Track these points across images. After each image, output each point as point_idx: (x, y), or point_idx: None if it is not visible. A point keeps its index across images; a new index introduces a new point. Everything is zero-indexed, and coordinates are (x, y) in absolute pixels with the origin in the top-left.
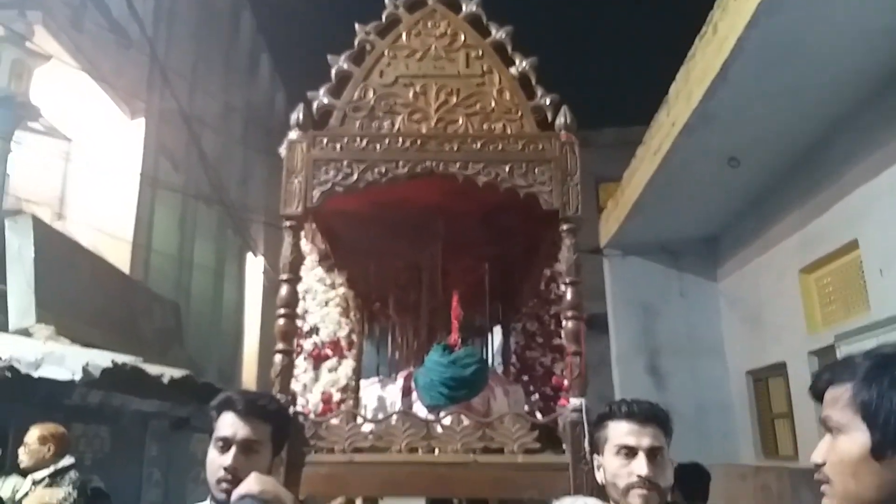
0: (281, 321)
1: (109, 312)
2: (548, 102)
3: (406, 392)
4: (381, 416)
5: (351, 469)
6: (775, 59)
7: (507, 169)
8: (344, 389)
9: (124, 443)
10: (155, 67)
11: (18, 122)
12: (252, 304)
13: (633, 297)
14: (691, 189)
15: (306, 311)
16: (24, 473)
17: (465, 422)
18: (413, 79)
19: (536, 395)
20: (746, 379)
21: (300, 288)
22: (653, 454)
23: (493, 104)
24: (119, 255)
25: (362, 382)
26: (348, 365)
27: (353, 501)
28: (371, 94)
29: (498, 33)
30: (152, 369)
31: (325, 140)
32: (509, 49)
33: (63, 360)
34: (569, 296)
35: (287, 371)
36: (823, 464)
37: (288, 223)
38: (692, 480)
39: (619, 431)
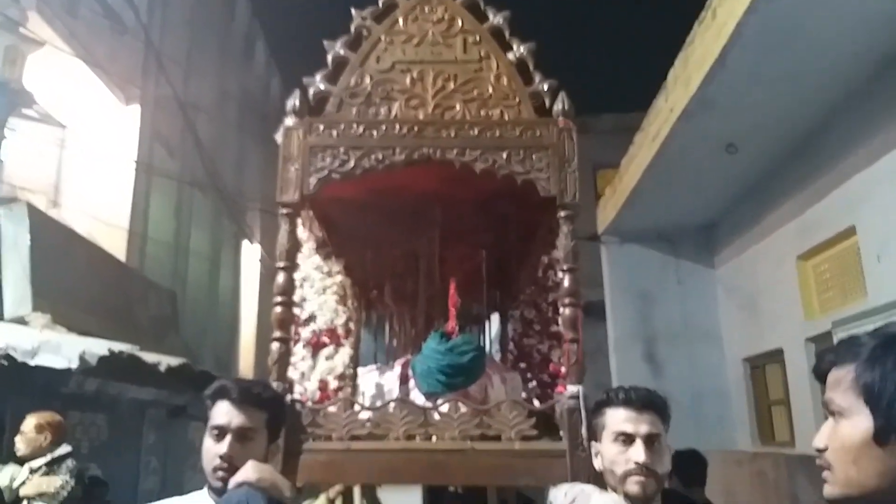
0: (278, 309)
1: (105, 300)
2: (545, 88)
3: (403, 380)
4: (378, 403)
5: (348, 456)
6: (774, 45)
7: (504, 155)
8: (341, 377)
9: (121, 431)
10: (150, 53)
11: (12, 109)
12: (248, 291)
13: (631, 284)
14: (689, 176)
15: (304, 299)
16: (21, 462)
17: (463, 409)
18: (410, 65)
19: (534, 383)
20: (743, 366)
21: (297, 276)
22: (650, 441)
23: (490, 90)
24: (115, 243)
25: (360, 370)
26: (345, 353)
27: (350, 489)
28: (368, 80)
29: (495, 18)
30: (149, 357)
31: (321, 127)
32: (507, 34)
33: (59, 349)
34: (566, 283)
35: (284, 359)
36: (825, 449)
37: (284, 211)
38: (690, 467)
39: (617, 418)
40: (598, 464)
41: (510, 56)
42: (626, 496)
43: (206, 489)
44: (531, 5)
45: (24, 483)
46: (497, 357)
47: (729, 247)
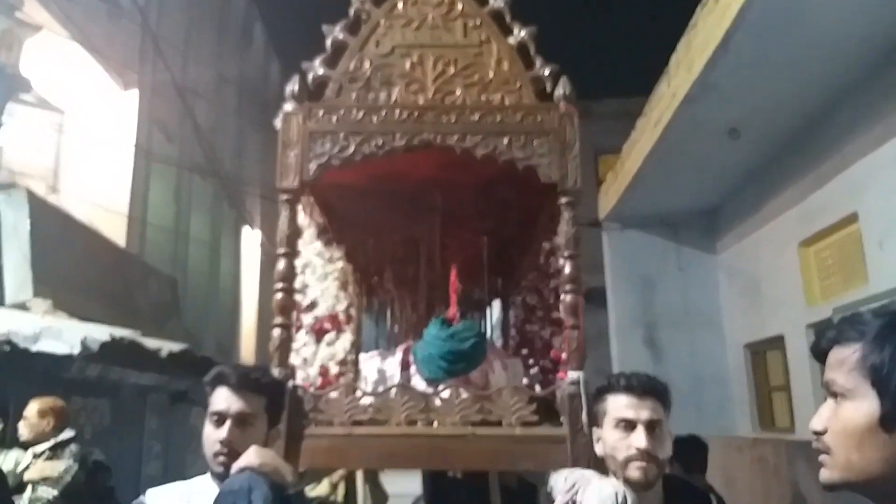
0: (279, 296)
1: (106, 286)
2: (547, 73)
3: (405, 365)
4: (380, 389)
5: (350, 442)
6: (778, 29)
7: (505, 141)
8: (343, 363)
9: (124, 416)
10: (147, 37)
11: (10, 94)
12: (249, 277)
13: (632, 270)
14: (691, 161)
15: (305, 286)
16: (24, 447)
17: (464, 395)
18: (410, 49)
19: (536, 369)
20: (744, 352)
21: (299, 262)
22: (651, 427)
23: (491, 75)
24: (114, 229)
25: (361, 356)
26: (347, 339)
27: (353, 473)
28: (367, 64)
29: (496, 2)
30: (150, 343)
31: (321, 112)
32: (507, 18)
33: (61, 334)
34: (567, 269)
35: (285, 345)
36: (823, 432)
37: (284, 197)
38: (691, 452)
39: (618, 405)
40: (599, 449)
41: (511, 40)
42: (628, 481)
43: (209, 474)
44: None
45: (27, 468)
46: (498, 343)
47: (731, 233)
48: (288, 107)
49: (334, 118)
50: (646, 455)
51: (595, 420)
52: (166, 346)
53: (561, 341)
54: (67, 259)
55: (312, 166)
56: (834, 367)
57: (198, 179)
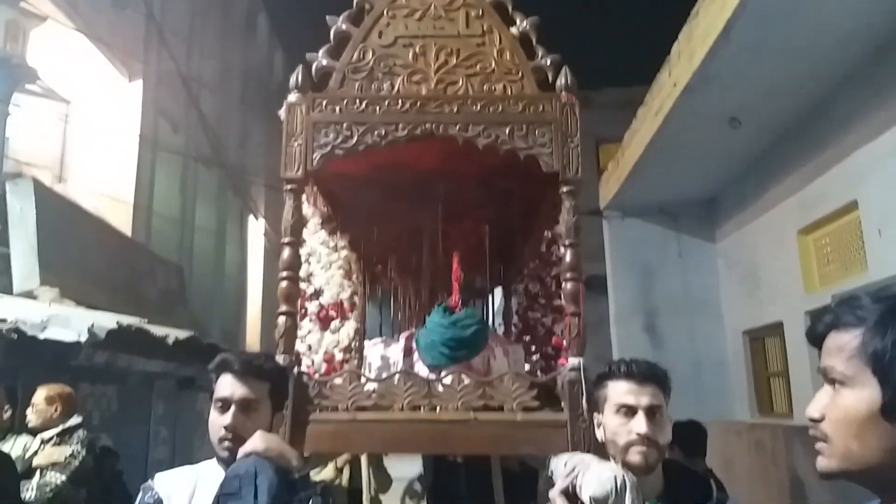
0: (283, 284)
1: (113, 274)
2: (548, 63)
3: (407, 352)
4: (383, 375)
5: (354, 427)
6: (779, 18)
7: (507, 131)
8: (347, 350)
9: (131, 402)
10: (151, 27)
11: (16, 85)
12: (254, 265)
13: (632, 258)
14: (692, 150)
15: (311, 274)
16: (33, 433)
17: (466, 381)
18: (412, 39)
19: (538, 355)
20: (743, 338)
21: (303, 251)
22: (651, 413)
23: (493, 65)
24: (120, 218)
25: (365, 343)
26: (351, 326)
27: (357, 457)
28: (370, 55)
29: None
30: (157, 330)
31: (324, 102)
32: (509, 8)
33: (68, 322)
34: (568, 258)
35: (290, 332)
36: (821, 419)
37: (289, 186)
38: (691, 437)
39: (619, 391)
40: (600, 435)
41: (513, 30)
42: (628, 466)
43: (215, 459)
44: None
45: (36, 453)
46: (500, 330)
47: (730, 221)
48: (292, 97)
49: (337, 109)
50: (646, 440)
51: (596, 406)
52: (173, 334)
53: (562, 328)
54: (74, 248)
55: (316, 156)
56: (832, 353)
57: (203, 169)
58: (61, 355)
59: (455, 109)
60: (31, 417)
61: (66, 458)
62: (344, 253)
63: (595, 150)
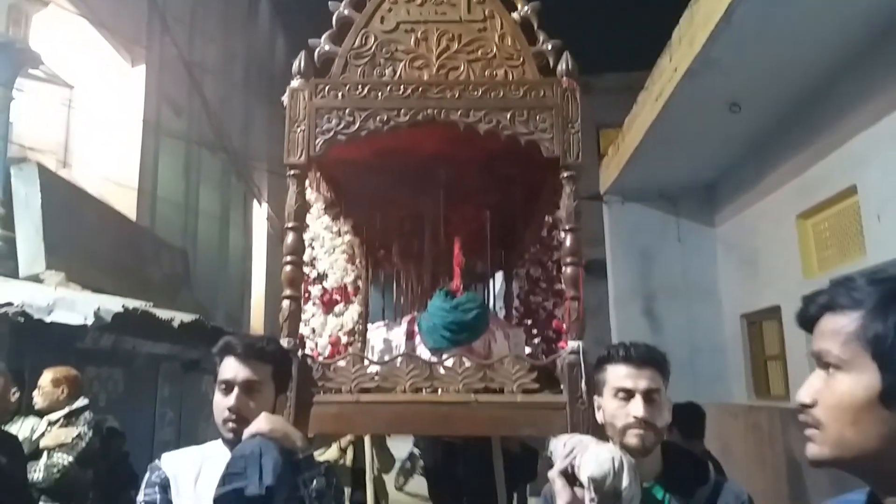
0: (288, 268)
1: (118, 259)
2: (550, 48)
3: (410, 335)
4: (386, 358)
5: (357, 408)
6: (780, 2)
7: (508, 116)
8: (351, 333)
9: (137, 384)
10: (154, 12)
11: (19, 69)
12: (258, 250)
13: (632, 242)
14: (692, 135)
15: (314, 259)
16: (39, 415)
17: (467, 363)
18: (414, 25)
19: (540, 339)
20: (741, 322)
21: (307, 236)
22: (649, 396)
23: (494, 50)
24: (125, 203)
25: (369, 326)
26: (354, 310)
27: (361, 438)
28: (372, 40)
29: None
30: (162, 314)
31: (326, 88)
32: None
33: (74, 306)
34: (568, 242)
35: (294, 316)
36: (812, 405)
37: (292, 172)
38: (689, 419)
39: (617, 374)
40: (600, 417)
41: (514, 15)
42: (626, 448)
43: (221, 439)
44: None
45: (43, 435)
46: (501, 314)
47: (729, 205)
48: (295, 83)
49: (340, 94)
50: (643, 423)
51: (597, 389)
52: (178, 317)
53: (563, 312)
54: (79, 232)
55: (319, 142)
56: (827, 336)
57: (206, 154)
58: (67, 338)
59: (456, 95)
60: (38, 400)
61: (73, 440)
62: (347, 238)
63: (595, 135)
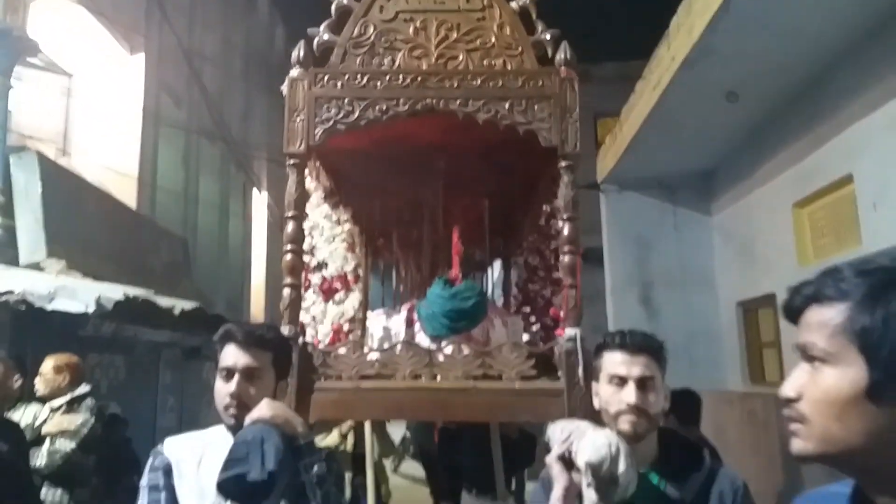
0: (288, 257)
1: (118, 247)
2: (548, 38)
3: (409, 323)
4: (386, 345)
5: (358, 395)
6: None
7: (506, 106)
8: (351, 321)
9: (139, 371)
10: (153, 1)
11: (17, 57)
12: (258, 238)
13: (629, 230)
14: (689, 124)
15: (314, 247)
16: (41, 401)
17: (466, 351)
18: (413, 14)
19: (538, 326)
20: (737, 309)
21: (307, 224)
22: (643, 383)
23: (493, 39)
24: (125, 192)
25: (368, 314)
26: (355, 298)
27: (361, 424)
28: (371, 30)
29: None
30: (163, 301)
31: (326, 77)
32: None
33: (75, 293)
34: (566, 231)
35: (295, 304)
36: (797, 399)
37: (291, 161)
38: (685, 406)
39: (613, 361)
40: (597, 403)
41: (513, 5)
42: (619, 434)
43: (223, 425)
44: None
45: (45, 421)
46: (499, 302)
47: (726, 194)
48: (294, 72)
49: (339, 84)
50: (635, 410)
51: (594, 375)
52: (179, 305)
53: (560, 300)
54: (80, 220)
55: (318, 131)
56: (813, 328)
57: (206, 143)
58: (69, 326)
59: (455, 84)
60: (40, 386)
61: (75, 426)
62: (347, 226)
63: (593, 124)
